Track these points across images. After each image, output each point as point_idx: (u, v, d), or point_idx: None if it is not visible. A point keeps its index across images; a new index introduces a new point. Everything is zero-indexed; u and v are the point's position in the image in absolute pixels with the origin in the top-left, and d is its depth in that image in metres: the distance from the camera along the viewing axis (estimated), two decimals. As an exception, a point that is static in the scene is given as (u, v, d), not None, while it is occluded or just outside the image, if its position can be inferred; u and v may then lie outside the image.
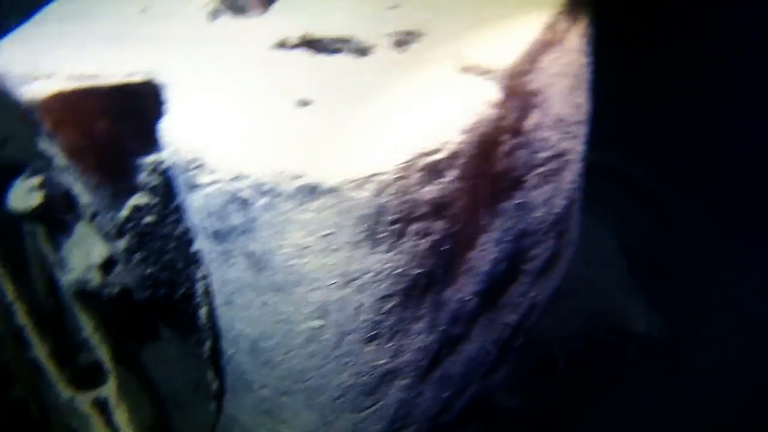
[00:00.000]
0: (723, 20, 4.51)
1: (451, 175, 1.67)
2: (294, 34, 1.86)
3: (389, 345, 2.04)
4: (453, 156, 1.64)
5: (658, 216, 4.20)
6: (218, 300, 2.12)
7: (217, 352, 2.32)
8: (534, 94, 1.80)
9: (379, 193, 1.63)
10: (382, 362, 2.09)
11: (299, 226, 1.72)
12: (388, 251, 1.77)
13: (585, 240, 3.31)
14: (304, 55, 1.84)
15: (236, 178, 1.70)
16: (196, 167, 1.75)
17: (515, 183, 1.94)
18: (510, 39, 1.72)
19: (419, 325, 2.05)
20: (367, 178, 1.61)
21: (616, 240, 3.62)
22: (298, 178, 1.64)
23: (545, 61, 1.77)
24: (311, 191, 1.65)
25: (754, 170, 4.39)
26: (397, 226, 1.71)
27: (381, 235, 1.72)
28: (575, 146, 2.10)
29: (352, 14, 1.87)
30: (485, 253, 2.04)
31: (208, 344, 2.30)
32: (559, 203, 2.16)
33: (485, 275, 2.11)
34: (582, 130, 2.14)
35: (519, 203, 2.02)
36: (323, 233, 1.72)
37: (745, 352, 3.97)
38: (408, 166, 1.61)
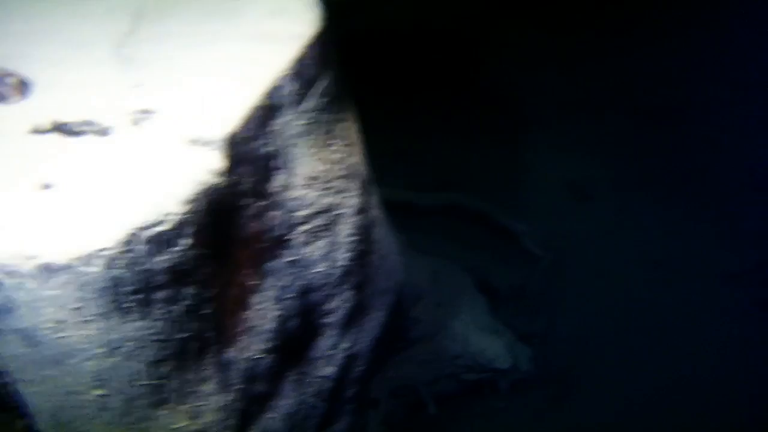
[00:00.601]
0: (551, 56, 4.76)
1: (183, 243, 1.74)
2: (47, 119, 1.94)
3: (183, 407, 2.09)
4: (178, 226, 1.71)
5: (516, 250, 4.30)
6: (14, 377, 2.16)
7: (30, 429, 2.35)
8: (271, 157, 1.88)
9: (108, 266, 1.69)
10: (182, 425, 2.13)
11: (49, 303, 1.78)
12: (141, 319, 1.83)
13: (436, 284, 3.40)
14: (54, 139, 1.91)
15: (-16, 262, 1.76)
16: (-49, 254, 1.80)
17: (278, 243, 2.01)
18: (234, 108, 1.81)
19: (210, 386, 2.10)
20: (93, 254, 1.67)
21: (471, 279, 3.68)
22: (34, 258, 1.70)
23: (278, 125, 1.86)
24: (48, 269, 1.71)
25: (605, 196, 4.57)
26: (140, 295, 1.77)
27: (127, 305, 1.78)
28: (343, 201, 2.17)
29: (99, 96, 1.95)
30: (265, 312, 2.10)
31: (20, 423, 2.34)
32: (342, 257, 2.23)
33: (274, 333, 2.17)
34: (350, 185, 2.22)
35: (290, 261, 2.08)
36: (72, 307, 1.78)
37: (622, 378, 4.04)
38: (130, 239, 1.67)
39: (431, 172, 4.64)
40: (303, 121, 1.94)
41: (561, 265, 4.33)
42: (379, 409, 3.33)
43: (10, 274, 1.75)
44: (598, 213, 4.64)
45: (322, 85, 1.98)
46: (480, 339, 3.49)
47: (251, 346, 2.12)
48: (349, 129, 2.18)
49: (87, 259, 1.69)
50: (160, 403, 2.03)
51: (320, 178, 2.06)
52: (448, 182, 4.56)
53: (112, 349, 1.87)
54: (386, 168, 4.23)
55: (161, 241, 1.72)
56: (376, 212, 2.53)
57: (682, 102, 5.01)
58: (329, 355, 2.44)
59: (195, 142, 1.76)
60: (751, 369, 4.16)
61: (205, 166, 1.74)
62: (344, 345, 2.47)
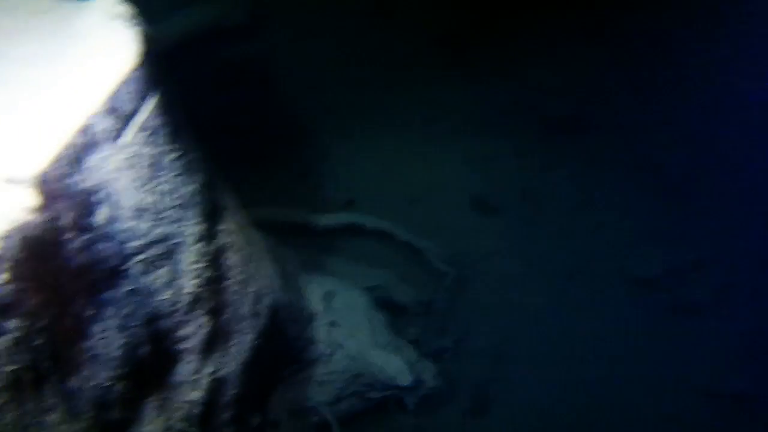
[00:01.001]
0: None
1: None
2: None
3: (29, 439, 2.13)
4: (-9, 263, 1.77)
5: (421, 267, 4.36)
6: None
7: None
8: (91, 192, 1.95)
9: None
10: (29, 457, 2.17)
11: None
12: (-36, 352, 1.88)
13: (329, 304, 3.46)
14: None
15: None
16: None
17: (113, 273, 2.08)
18: (46, 148, 1.88)
19: (56, 416, 2.15)
20: None
21: (369, 298, 3.75)
22: None
23: (93, 161, 1.93)
24: None
25: (512, 210, 4.65)
26: (-42, 330, 1.83)
27: (-53, 340, 1.84)
28: (180, 230, 2.24)
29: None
30: (108, 341, 2.16)
31: None
32: (189, 284, 2.30)
33: (121, 360, 2.23)
34: (186, 214, 2.29)
35: (130, 290, 2.15)
36: None
37: (537, 390, 4.10)
38: (-59, 277, 1.73)
39: (332, 192, 4.72)
40: (123, 156, 2.01)
41: (469, 279, 4.40)
42: (280, 430, 3.38)
43: None
44: (505, 226, 4.72)
45: (140, 119, 2.05)
46: (379, 357, 3.55)
47: (98, 374, 2.17)
48: (182, 159, 2.25)
49: None
50: (-5, 436, 2.06)
51: (150, 210, 2.12)
52: (350, 201, 4.63)
53: (-65, 383, 1.92)
54: (284, 189, 4.32)
55: (-26, 278, 1.78)
56: (229, 238, 2.59)
57: (588, 113, 5.10)
58: (193, 380, 2.49)
59: (9, 181, 1.83)
60: (665, 374, 4.22)
61: (17, 204, 1.80)
62: (208, 369, 2.53)
